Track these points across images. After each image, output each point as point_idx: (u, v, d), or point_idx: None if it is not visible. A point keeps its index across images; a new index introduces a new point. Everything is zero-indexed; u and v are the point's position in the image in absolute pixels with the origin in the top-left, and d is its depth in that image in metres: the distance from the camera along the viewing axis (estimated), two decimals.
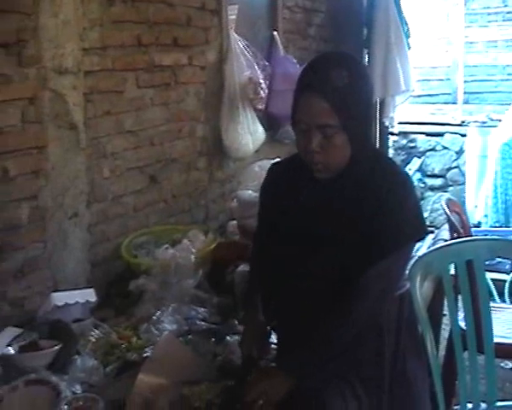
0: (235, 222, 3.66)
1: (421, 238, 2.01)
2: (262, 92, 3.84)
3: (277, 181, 2.15)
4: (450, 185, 6.57)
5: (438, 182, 6.75)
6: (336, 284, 1.93)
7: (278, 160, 2.39)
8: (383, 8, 5.16)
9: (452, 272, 2.62)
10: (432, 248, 2.73)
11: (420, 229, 1.95)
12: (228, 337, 2.45)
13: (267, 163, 3.44)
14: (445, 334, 3.14)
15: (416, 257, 2.44)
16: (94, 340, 2.47)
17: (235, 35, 3.83)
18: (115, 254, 3.14)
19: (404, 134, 6.81)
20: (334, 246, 1.93)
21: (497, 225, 5.65)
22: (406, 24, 5.27)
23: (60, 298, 2.68)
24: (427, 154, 6.85)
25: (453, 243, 2.74)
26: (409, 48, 5.30)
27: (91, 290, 2.79)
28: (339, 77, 1.82)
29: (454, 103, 7.23)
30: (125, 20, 3.09)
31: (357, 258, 1.89)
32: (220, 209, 3.99)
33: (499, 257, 3.73)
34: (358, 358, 1.99)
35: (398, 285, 2.04)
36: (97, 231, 3.06)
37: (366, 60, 5.38)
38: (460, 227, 3.38)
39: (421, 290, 2.34)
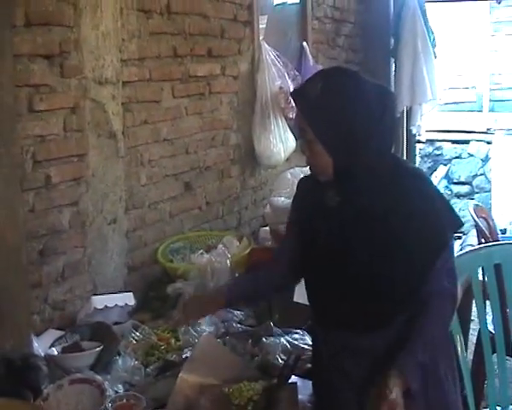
0: (266, 228, 3.74)
1: (459, 228, 2.07)
2: (293, 101, 3.90)
3: (306, 192, 2.21)
4: (477, 192, 6.58)
5: (464, 189, 6.77)
6: (373, 280, 1.97)
7: (307, 174, 2.44)
8: (410, 19, 5.23)
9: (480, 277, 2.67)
10: (462, 251, 2.78)
11: (455, 220, 2.02)
12: (264, 339, 2.51)
13: (299, 171, 3.55)
14: (472, 339, 3.17)
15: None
16: (134, 341, 2.55)
17: (267, 45, 3.91)
18: (152, 258, 3.23)
19: (430, 142, 6.83)
20: (366, 243, 1.98)
21: None
22: (432, 33, 5.33)
23: (100, 301, 2.77)
24: (453, 161, 6.88)
25: (482, 247, 2.80)
26: (435, 57, 5.36)
27: (130, 294, 2.88)
28: (312, 88, 1.90)
29: (480, 111, 7.25)
30: (162, 31, 3.19)
31: (392, 256, 1.94)
32: (252, 216, 4.08)
33: None
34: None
35: (456, 273, 2.08)
36: (135, 236, 3.15)
37: (393, 69, 5.44)
38: (487, 233, 3.43)
39: None
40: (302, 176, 2.40)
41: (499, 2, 5.35)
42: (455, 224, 2.03)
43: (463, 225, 2.08)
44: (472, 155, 6.76)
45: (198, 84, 3.49)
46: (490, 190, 6.35)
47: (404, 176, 2.02)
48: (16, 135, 2.38)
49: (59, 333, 2.63)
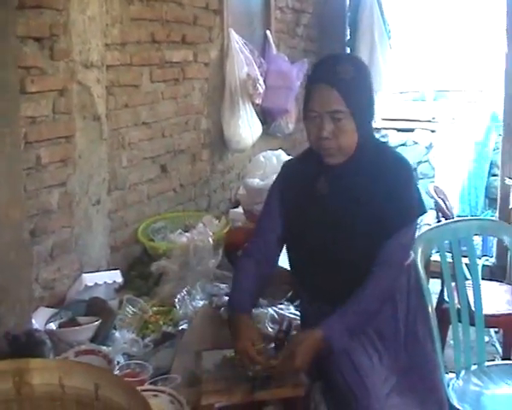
0: (236, 210, 3.88)
1: (423, 214, 2.25)
2: (260, 88, 4.05)
3: (292, 177, 2.33)
4: (421, 178, 6.82)
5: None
6: (359, 261, 2.16)
7: (290, 158, 2.57)
8: (367, 10, 5.43)
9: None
10: (432, 226, 2.98)
11: (422, 205, 2.21)
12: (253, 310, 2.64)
13: (271, 154, 3.70)
14: None
15: (418, 235, 2.68)
16: (129, 315, 2.65)
17: (235, 33, 4.03)
18: (132, 238, 3.34)
19: (376, 130, 7.06)
20: (354, 226, 2.16)
21: (462, 214, 6.00)
22: (388, 25, 5.57)
23: (90, 279, 2.86)
24: (399, 149, 7.12)
25: (449, 223, 3.02)
26: (390, 48, 5.60)
27: (117, 272, 2.98)
28: (345, 71, 2.07)
29: (423, 100, 7.55)
30: (142, 17, 3.28)
31: (372, 235, 2.13)
32: (221, 198, 4.21)
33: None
34: (377, 318, 2.22)
35: (409, 253, 2.31)
36: (117, 217, 3.24)
37: None
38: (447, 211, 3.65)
39: (422, 263, 2.59)
40: (285, 160, 2.55)
41: None
42: (421, 209, 2.21)
43: (426, 212, 2.27)
44: (416, 143, 7.02)
45: (173, 70, 3.59)
46: (434, 177, 6.64)
47: (390, 160, 2.19)
48: (19, 115, 2.44)
49: (50, 311, 2.71)
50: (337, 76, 2.06)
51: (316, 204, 2.21)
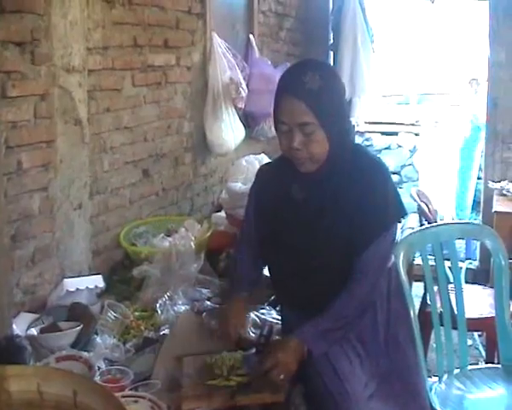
0: (218, 214, 3.88)
1: (402, 219, 2.26)
2: (243, 91, 4.06)
3: (268, 181, 2.34)
4: (405, 182, 6.88)
5: (393, 179, 7.02)
6: (336, 267, 2.17)
7: (266, 162, 2.59)
8: (350, 14, 5.46)
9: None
10: (414, 230, 3.00)
11: (401, 210, 2.21)
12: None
13: (254, 158, 3.71)
14: None
15: (400, 239, 2.70)
16: (110, 320, 2.64)
17: (217, 37, 4.03)
18: (114, 243, 3.33)
19: (360, 133, 7.10)
20: (331, 233, 2.16)
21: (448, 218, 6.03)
22: (371, 29, 5.60)
23: (71, 284, 2.85)
24: (383, 152, 7.17)
25: (431, 226, 3.03)
26: (373, 51, 5.63)
27: (99, 277, 2.98)
28: (312, 81, 2.04)
29: (407, 104, 7.59)
30: (124, 22, 3.28)
31: (350, 241, 2.13)
32: (203, 202, 4.22)
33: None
34: (357, 324, 2.23)
35: (388, 262, 2.32)
36: (98, 221, 3.23)
37: (332, 62, 5.65)
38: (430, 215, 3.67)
39: (404, 267, 2.60)
40: (261, 165, 2.56)
41: (433, 2, 5.64)
42: (400, 214, 2.21)
43: (407, 214, 2.27)
44: (400, 146, 7.07)
45: (155, 74, 3.59)
46: (418, 180, 6.68)
47: (365, 164, 2.18)
48: (0, 119, 2.43)
49: (32, 316, 2.69)
50: (304, 87, 2.04)
51: (290, 209, 2.22)
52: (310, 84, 2.03)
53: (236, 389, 2.10)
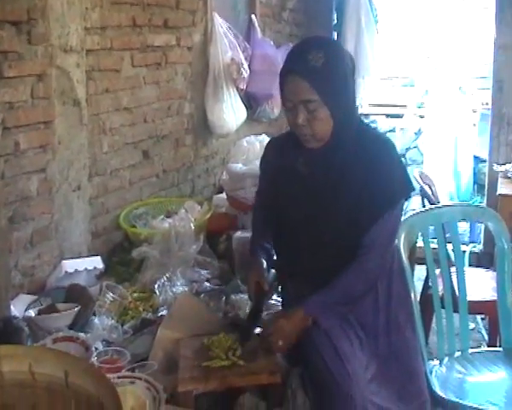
0: (220, 195, 3.86)
1: (409, 195, 2.25)
2: (244, 72, 4.03)
3: (275, 155, 2.36)
4: (410, 165, 6.82)
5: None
6: (342, 241, 2.17)
7: (275, 137, 2.58)
8: None
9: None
10: (415, 211, 2.97)
11: (408, 187, 2.20)
12: (233, 296, 2.65)
13: (254, 139, 3.68)
14: None
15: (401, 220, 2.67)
16: (109, 302, 2.63)
17: (218, 17, 3.99)
18: (114, 225, 3.32)
19: (364, 115, 7.04)
20: (335, 208, 2.16)
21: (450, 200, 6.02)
22: (375, 10, 5.53)
23: (70, 265, 2.84)
24: (387, 135, 7.11)
25: (433, 208, 3.00)
26: (377, 32, 5.57)
27: (98, 258, 2.97)
28: (316, 58, 2.04)
29: (412, 86, 7.53)
30: (122, 1, 3.24)
31: (355, 217, 2.13)
32: (205, 184, 4.19)
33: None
34: (358, 305, 2.23)
35: (395, 239, 2.31)
36: (98, 203, 3.22)
37: None
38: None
39: (405, 249, 2.58)
40: (271, 138, 2.58)
41: None
42: (407, 190, 2.20)
43: (414, 190, 2.26)
44: (405, 129, 7.00)
45: (155, 54, 3.56)
46: (422, 162, 6.62)
47: (370, 141, 2.18)
48: None
49: (30, 298, 2.69)
50: (307, 65, 2.04)
51: (296, 184, 2.23)
52: (313, 62, 2.03)
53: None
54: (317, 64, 2.03)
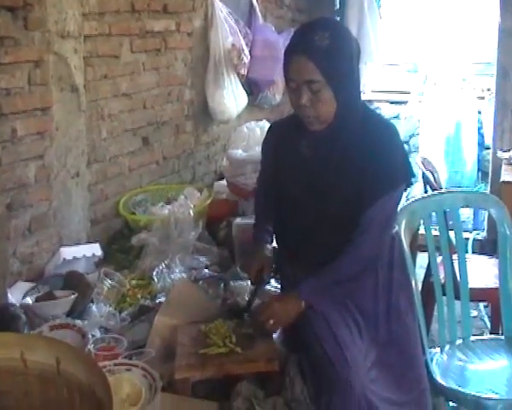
0: (221, 182, 3.84)
1: (410, 181, 2.24)
2: (245, 58, 4.00)
3: (278, 137, 2.35)
4: (413, 151, 6.76)
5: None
6: (342, 223, 2.17)
7: (277, 120, 2.57)
8: None
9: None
10: (417, 198, 2.94)
11: (408, 172, 2.19)
12: (232, 283, 2.63)
13: (255, 125, 3.66)
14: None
15: (402, 207, 2.64)
16: (106, 289, 2.62)
17: (219, 2, 3.96)
18: (113, 212, 3.31)
19: (368, 102, 6.98)
20: (336, 191, 2.15)
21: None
22: None
23: (68, 252, 2.83)
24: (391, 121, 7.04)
25: (434, 195, 2.97)
26: (380, 17, 5.51)
27: (97, 245, 2.95)
28: (321, 38, 2.02)
29: (416, 72, 7.45)
30: None
31: (356, 200, 2.12)
32: (206, 171, 4.17)
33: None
34: (357, 291, 2.23)
35: (392, 223, 2.30)
36: (97, 189, 3.21)
37: None
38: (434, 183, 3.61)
39: (406, 236, 2.55)
40: (273, 121, 2.58)
41: None
42: (408, 175, 2.19)
43: (415, 176, 2.25)
44: (409, 116, 6.93)
45: (155, 40, 3.52)
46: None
47: (374, 125, 2.17)
48: None
49: (28, 285, 2.68)
50: (312, 45, 2.03)
51: (299, 166, 2.23)
52: (318, 42, 2.02)
53: (230, 357, 2.08)
54: (323, 44, 2.02)
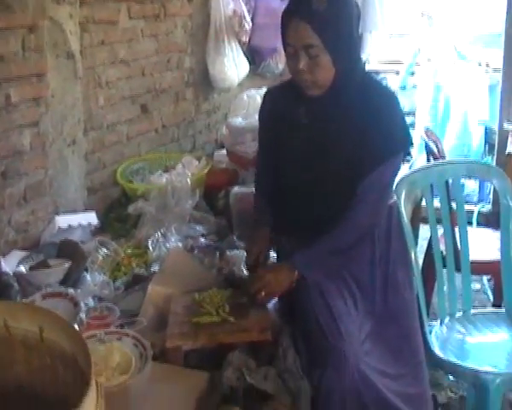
0: (221, 152, 3.79)
1: (408, 150, 2.21)
2: (246, 25, 3.93)
3: (275, 104, 2.32)
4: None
5: (408, 119, 6.81)
6: (340, 192, 2.15)
7: (273, 86, 2.53)
8: None
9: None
10: (417, 168, 2.90)
11: (406, 140, 2.17)
12: (228, 252, 2.60)
13: (255, 93, 3.60)
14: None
15: (402, 177, 2.59)
16: (101, 257, 2.59)
17: None
18: (111, 180, 3.27)
19: (374, 72, 6.89)
20: (337, 147, 2.13)
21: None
22: None
23: (63, 221, 2.80)
24: (398, 92, 6.95)
25: (435, 165, 2.92)
26: None
27: (93, 213, 2.92)
28: (319, 2, 1.99)
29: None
30: None
31: (354, 167, 2.10)
32: (206, 140, 4.12)
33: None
34: (354, 261, 2.21)
35: (390, 192, 2.28)
36: (94, 158, 3.17)
37: None
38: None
39: (406, 207, 2.51)
40: (269, 87, 2.55)
41: None
42: (406, 144, 2.17)
43: (412, 145, 2.21)
44: (416, 87, 6.83)
45: (153, 6, 3.45)
46: (430, 121, 6.47)
47: (374, 92, 2.14)
48: None
49: (24, 254, 2.66)
50: (310, 9, 1.99)
51: (296, 132, 2.21)
52: (316, 6, 1.99)
53: (223, 326, 2.07)
54: (320, 8, 1.98)
